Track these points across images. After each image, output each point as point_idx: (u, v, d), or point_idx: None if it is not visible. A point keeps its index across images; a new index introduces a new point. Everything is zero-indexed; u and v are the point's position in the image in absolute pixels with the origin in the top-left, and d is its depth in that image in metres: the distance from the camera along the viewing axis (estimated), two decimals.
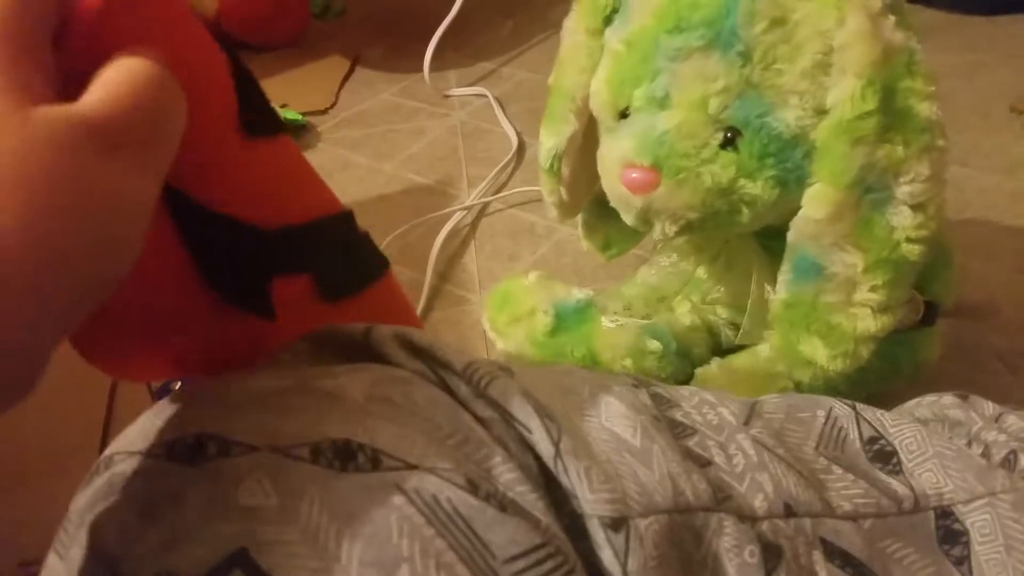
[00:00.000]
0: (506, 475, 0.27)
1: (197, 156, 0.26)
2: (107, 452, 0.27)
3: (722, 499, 0.30)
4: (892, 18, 0.42)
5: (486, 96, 1.08)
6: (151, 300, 0.27)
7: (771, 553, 0.29)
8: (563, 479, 0.28)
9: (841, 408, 0.37)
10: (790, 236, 0.44)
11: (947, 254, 0.54)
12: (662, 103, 0.45)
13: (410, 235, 0.83)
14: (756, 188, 0.44)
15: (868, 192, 0.42)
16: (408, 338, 0.31)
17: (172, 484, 0.25)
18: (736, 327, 0.51)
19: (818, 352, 0.44)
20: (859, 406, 0.37)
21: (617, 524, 0.27)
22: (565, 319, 0.60)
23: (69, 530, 0.26)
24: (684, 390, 0.37)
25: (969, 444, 0.36)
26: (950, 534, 0.33)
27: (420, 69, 1.11)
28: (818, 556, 0.30)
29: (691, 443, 0.32)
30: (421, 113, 1.08)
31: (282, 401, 0.27)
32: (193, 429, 0.26)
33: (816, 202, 0.42)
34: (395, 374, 0.29)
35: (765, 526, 0.30)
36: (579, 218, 0.62)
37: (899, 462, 0.35)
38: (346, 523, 0.23)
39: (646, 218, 0.47)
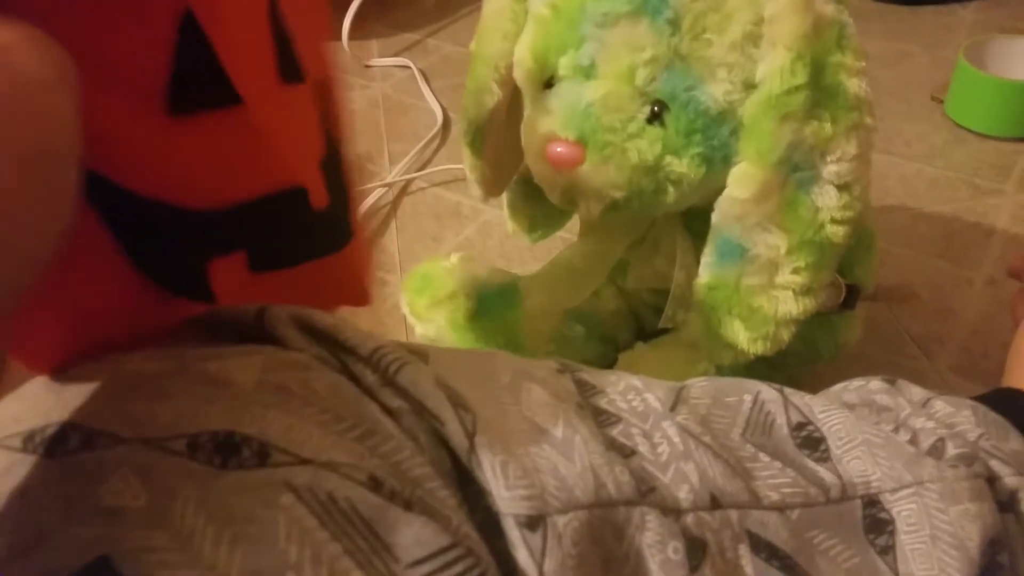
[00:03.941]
0: (415, 470, 0.25)
1: (108, 137, 0.23)
2: None
3: (645, 491, 0.29)
4: None
5: (410, 68, 1.04)
6: (81, 291, 0.25)
7: (695, 548, 0.28)
8: (477, 474, 0.27)
9: (769, 392, 0.36)
10: (714, 217, 0.43)
11: (870, 238, 0.54)
12: (588, 72, 0.43)
13: None
14: (682, 166, 0.42)
15: (794, 171, 0.41)
16: (308, 320, 0.29)
17: (26, 481, 0.22)
18: (660, 311, 0.50)
19: (739, 335, 0.43)
20: (787, 390, 0.36)
21: (534, 523, 0.26)
22: (487, 303, 0.58)
23: None
24: (611, 375, 0.35)
25: (897, 430, 0.36)
26: (876, 523, 0.32)
27: (339, 37, 1.06)
28: (744, 550, 0.29)
29: (615, 432, 0.31)
30: None
31: (158, 385, 0.24)
32: (55, 417, 0.23)
33: (741, 181, 0.41)
34: (292, 359, 0.27)
35: (690, 519, 0.29)
36: (504, 199, 0.59)
37: (827, 449, 0.34)
38: (226, 526, 0.21)
39: (571, 197, 0.45)
